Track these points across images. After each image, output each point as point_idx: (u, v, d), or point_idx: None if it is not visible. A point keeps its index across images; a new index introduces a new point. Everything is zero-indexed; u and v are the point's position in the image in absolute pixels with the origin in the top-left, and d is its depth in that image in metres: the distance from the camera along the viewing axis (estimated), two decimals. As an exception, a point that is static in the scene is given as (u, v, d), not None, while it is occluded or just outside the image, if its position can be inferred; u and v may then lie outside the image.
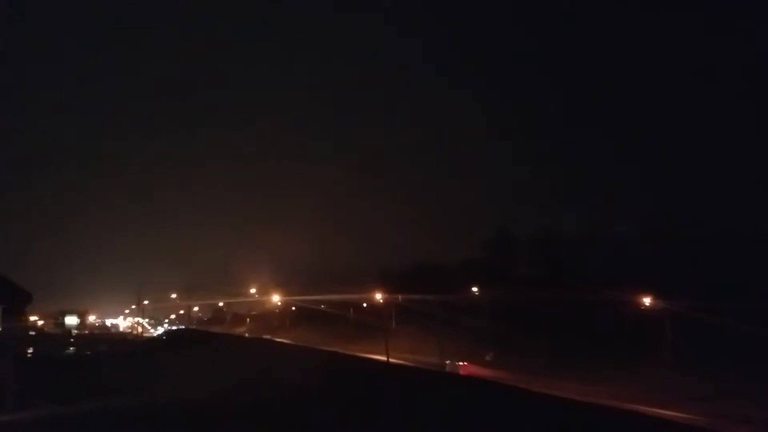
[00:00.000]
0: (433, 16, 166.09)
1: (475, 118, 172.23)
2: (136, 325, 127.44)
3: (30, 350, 43.21)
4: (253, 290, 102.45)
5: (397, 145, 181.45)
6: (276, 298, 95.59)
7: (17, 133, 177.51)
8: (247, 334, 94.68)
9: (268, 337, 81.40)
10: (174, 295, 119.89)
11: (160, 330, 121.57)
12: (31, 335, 59.65)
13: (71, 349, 55.45)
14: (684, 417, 29.44)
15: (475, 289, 67.41)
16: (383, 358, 51.41)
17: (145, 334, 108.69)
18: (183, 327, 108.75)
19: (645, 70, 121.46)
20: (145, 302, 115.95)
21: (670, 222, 59.20)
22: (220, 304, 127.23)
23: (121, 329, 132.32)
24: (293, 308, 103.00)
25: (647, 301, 49.61)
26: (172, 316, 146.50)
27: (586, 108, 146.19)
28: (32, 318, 76.49)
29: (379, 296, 73.37)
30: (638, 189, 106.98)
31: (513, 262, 73.07)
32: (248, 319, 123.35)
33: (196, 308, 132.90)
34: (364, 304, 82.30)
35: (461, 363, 52.38)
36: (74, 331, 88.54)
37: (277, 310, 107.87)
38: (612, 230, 69.17)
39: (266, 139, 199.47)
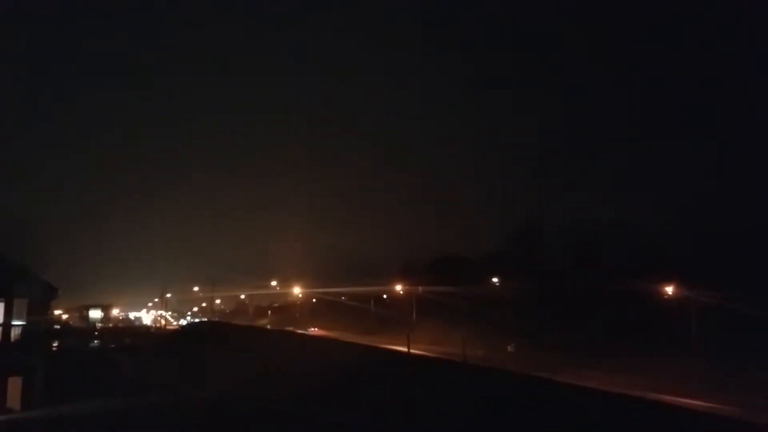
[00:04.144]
0: (470, 14, 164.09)
1: (504, 110, 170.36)
2: (159, 318, 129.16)
3: (55, 344, 44.02)
4: (274, 282, 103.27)
5: (423, 137, 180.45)
6: (297, 290, 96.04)
7: (40, 127, 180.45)
8: (269, 326, 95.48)
9: (290, 329, 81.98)
10: (196, 288, 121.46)
11: (183, 323, 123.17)
12: (57, 329, 60.75)
13: (96, 342, 56.39)
14: (709, 406, 28.86)
15: (495, 280, 66.77)
16: (404, 349, 51.32)
17: (168, 327, 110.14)
18: (205, 320, 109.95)
19: (674, 66, 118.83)
20: (168, 295, 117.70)
21: (699, 213, 57.96)
22: (242, 296, 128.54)
23: (144, 322, 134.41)
24: (314, 300, 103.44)
25: (670, 290, 48.66)
26: (195, 309, 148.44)
27: (615, 98, 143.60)
28: (57, 312, 77.97)
29: (399, 288, 73.20)
30: (668, 179, 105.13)
31: (540, 253, 72.36)
32: (270, 312, 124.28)
33: (218, 301, 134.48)
34: (384, 296, 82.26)
35: (312, 329, 72.51)
36: (98, 325, 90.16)
37: (299, 302, 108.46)
38: (641, 221, 67.96)
39: (290, 132, 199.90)
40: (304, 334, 69.01)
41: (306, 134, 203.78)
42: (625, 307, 50.20)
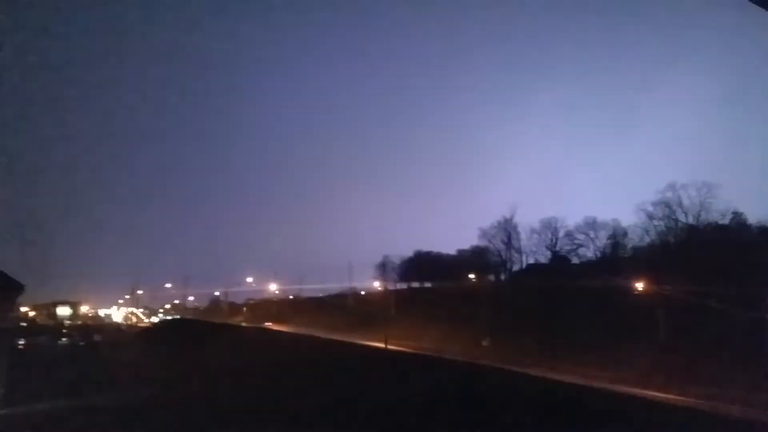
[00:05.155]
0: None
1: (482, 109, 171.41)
2: (130, 316, 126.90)
3: (22, 342, 42.83)
4: (250, 279, 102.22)
5: (403, 133, 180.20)
6: (273, 287, 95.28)
7: (7, 120, 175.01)
8: (244, 324, 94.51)
9: (266, 325, 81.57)
10: (169, 285, 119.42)
11: (155, 320, 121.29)
12: (23, 326, 59.17)
13: (64, 340, 55.07)
14: (677, 399, 29.49)
15: (472, 276, 67.30)
16: (382, 345, 51.37)
17: (139, 325, 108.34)
18: (178, 317, 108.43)
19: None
20: (140, 292, 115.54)
21: (671, 211, 59.03)
22: (217, 293, 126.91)
23: (114, 320, 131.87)
24: (291, 297, 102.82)
25: (640, 286, 49.66)
26: (167, 306, 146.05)
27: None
28: (23, 309, 76.08)
29: (377, 285, 73.29)
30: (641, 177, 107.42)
31: (516, 250, 73.24)
32: (245, 309, 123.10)
33: (191, 298, 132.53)
34: (362, 292, 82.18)
35: (268, 323, 78.38)
36: (67, 322, 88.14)
37: (275, 299, 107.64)
38: (612, 220, 69.06)
39: (262, 128, 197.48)
40: (281, 331, 68.63)
41: (281, 133, 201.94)
42: (598, 302, 51.08)
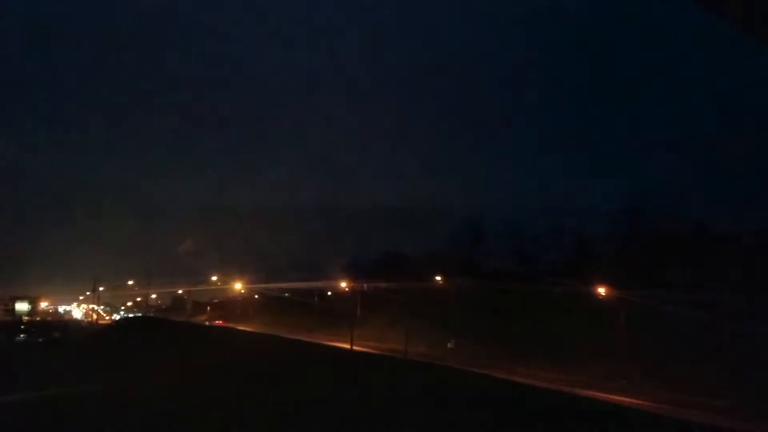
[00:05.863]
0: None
1: (447, 107, 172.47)
2: (90, 312, 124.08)
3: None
4: (214, 278, 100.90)
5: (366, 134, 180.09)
6: (238, 286, 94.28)
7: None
8: (207, 323, 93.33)
9: (219, 322, 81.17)
10: (131, 282, 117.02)
11: (117, 317, 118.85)
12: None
13: (22, 336, 53.77)
14: (639, 403, 30.28)
15: (438, 278, 67.91)
16: (347, 345, 51.44)
17: (100, 322, 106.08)
18: (140, 315, 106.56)
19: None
20: (101, 289, 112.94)
21: (634, 217, 60.58)
22: (180, 291, 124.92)
23: (74, 316, 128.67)
24: (256, 296, 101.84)
25: (602, 291, 50.79)
26: (129, 304, 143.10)
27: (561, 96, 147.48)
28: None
29: (344, 285, 73.30)
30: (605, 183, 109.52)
31: (482, 253, 74.28)
32: (209, 308, 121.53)
33: (154, 296, 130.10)
34: (329, 293, 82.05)
35: (218, 321, 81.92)
36: (25, 318, 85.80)
37: (240, 298, 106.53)
38: (577, 224, 70.49)
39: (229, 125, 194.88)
40: (244, 330, 68.12)
41: (252, 129, 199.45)
42: (563, 306, 52.15)
